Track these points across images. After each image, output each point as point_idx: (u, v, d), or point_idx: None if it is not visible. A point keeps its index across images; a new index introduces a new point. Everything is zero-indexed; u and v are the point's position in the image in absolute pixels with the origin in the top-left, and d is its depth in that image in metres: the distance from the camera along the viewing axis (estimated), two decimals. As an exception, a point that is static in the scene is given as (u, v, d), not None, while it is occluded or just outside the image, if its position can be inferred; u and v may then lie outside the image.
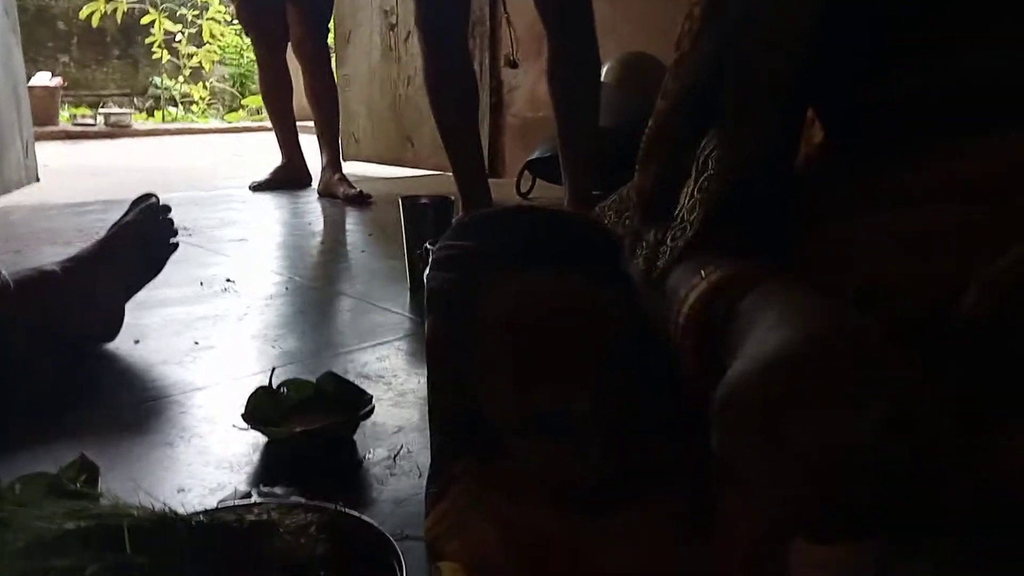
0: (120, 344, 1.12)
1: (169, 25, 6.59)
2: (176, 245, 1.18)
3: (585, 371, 0.55)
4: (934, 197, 0.44)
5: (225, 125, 6.59)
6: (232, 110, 7.34)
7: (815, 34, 0.46)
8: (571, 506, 0.52)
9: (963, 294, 0.38)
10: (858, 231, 0.49)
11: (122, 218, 1.13)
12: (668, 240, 0.51)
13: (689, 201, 0.51)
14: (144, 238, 1.11)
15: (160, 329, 1.21)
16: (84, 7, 6.27)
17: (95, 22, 6.29)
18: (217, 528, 0.56)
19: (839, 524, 0.32)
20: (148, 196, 1.15)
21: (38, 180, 2.91)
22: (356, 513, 0.62)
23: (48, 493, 0.59)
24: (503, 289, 0.59)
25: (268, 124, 3.01)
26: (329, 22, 2.77)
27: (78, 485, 0.61)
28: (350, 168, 2.84)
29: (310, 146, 2.87)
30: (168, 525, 0.55)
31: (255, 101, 6.90)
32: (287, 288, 1.51)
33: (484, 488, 0.58)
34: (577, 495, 0.52)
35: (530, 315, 0.57)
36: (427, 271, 1.11)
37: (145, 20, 6.55)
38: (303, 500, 0.63)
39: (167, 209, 1.16)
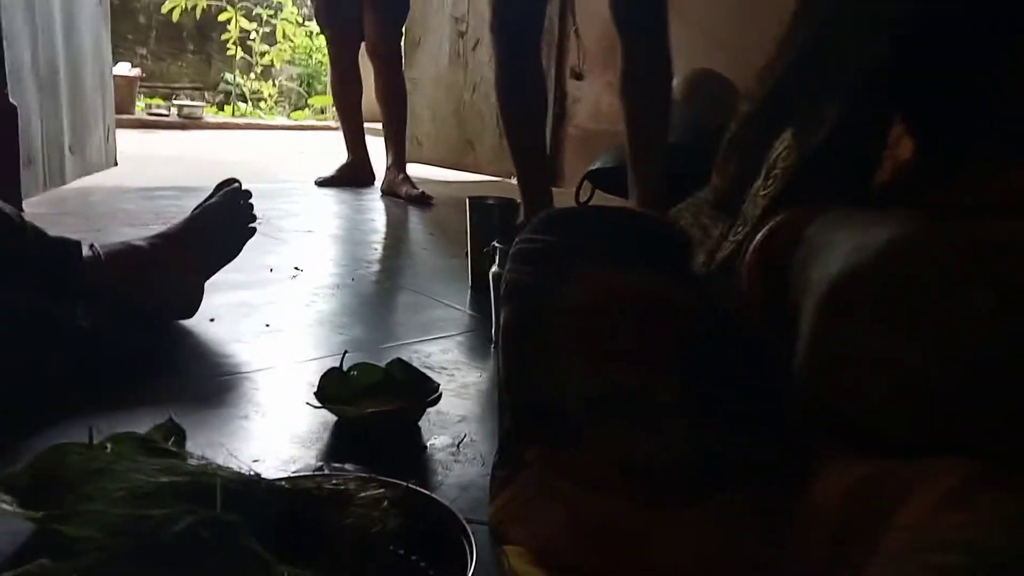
0: (196, 322, 1.17)
1: (244, 23, 6.79)
2: (254, 230, 1.23)
3: (664, 359, 0.56)
4: (1013, 209, 0.44)
5: (291, 122, 6.75)
6: (298, 108, 7.51)
7: (909, 17, 0.47)
8: (644, 494, 0.53)
9: None
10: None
11: (206, 200, 1.18)
12: (730, 236, 0.53)
13: (752, 199, 0.52)
14: (227, 221, 1.16)
15: (233, 310, 1.26)
16: (166, 2, 6.50)
17: (175, 17, 6.52)
18: (298, 494, 0.59)
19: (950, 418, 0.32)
20: (231, 181, 1.20)
21: (116, 164, 3.03)
22: (427, 491, 0.64)
23: (140, 450, 0.63)
24: (583, 282, 0.60)
25: (332, 123, 3.09)
26: (404, 26, 2.83)
27: (169, 445, 0.64)
28: (412, 170, 2.89)
29: (375, 146, 2.93)
30: (254, 487, 0.58)
31: (320, 101, 7.05)
32: (352, 279, 1.54)
33: (554, 474, 0.60)
34: (652, 483, 0.53)
35: (610, 307, 0.58)
36: (496, 266, 1.13)
37: (222, 17, 6.76)
38: (376, 476, 0.65)
39: (248, 194, 1.20)
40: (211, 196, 1.21)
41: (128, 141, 3.90)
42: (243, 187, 1.22)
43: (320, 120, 6.82)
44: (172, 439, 0.67)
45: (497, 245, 1.15)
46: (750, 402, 0.57)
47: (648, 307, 0.59)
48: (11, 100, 1.84)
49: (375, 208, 2.50)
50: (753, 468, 0.53)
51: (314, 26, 7.02)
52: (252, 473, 0.59)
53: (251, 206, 1.22)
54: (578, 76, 3.09)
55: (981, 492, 0.36)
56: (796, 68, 0.54)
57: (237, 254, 1.23)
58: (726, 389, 0.58)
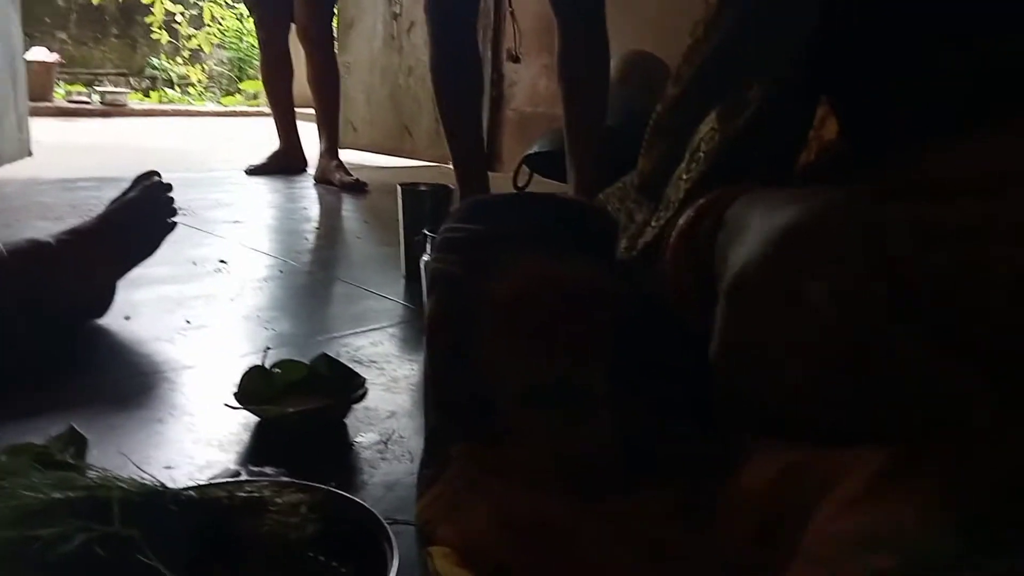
0: (111, 320, 1.11)
1: (169, 5, 6.55)
2: (174, 225, 1.17)
3: (595, 351, 0.55)
4: (961, 190, 0.43)
5: (221, 108, 6.55)
6: (229, 94, 7.29)
7: (840, 7, 0.46)
8: (575, 489, 0.51)
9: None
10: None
11: (123, 194, 1.12)
12: (652, 221, 0.51)
13: (675, 182, 0.51)
14: (144, 216, 1.10)
15: (151, 306, 1.20)
16: (84, -16, 6.23)
17: (95, 0, 6.24)
18: (207, 504, 0.56)
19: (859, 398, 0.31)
20: (151, 174, 1.14)
21: (31, 155, 2.88)
22: (347, 494, 0.62)
23: (35, 463, 0.58)
24: (510, 270, 0.58)
25: (264, 109, 3.00)
26: (335, 7, 2.75)
27: (66, 457, 0.59)
28: (347, 156, 2.83)
29: (308, 133, 2.85)
30: (157, 499, 0.54)
31: (252, 86, 6.86)
32: (281, 271, 1.49)
33: (482, 470, 0.58)
34: (582, 477, 0.52)
35: (538, 295, 0.56)
36: (428, 254, 1.10)
37: (146, 0, 6.51)
38: (294, 480, 0.62)
39: (169, 187, 1.14)
40: (129, 189, 1.15)
41: (45, 130, 3.72)
42: (164, 178, 1.16)
43: (252, 106, 6.64)
44: (71, 449, 0.63)
45: (428, 233, 1.12)
46: (679, 390, 0.56)
47: (577, 296, 0.58)
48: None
49: (307, 196, 2.44)
50: (682, 458, 0.52)
51: (244, 8, 6.83)
52: (157, 483, 0.55)
53: (171, 199, 1.16)
54: (515, 58, 3.04)
55: (898, 483, 0.35)
56: (722, 50, 0.53)
57: (154, 251, 1.17)
58: (655, 378, 0.56)
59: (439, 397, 0.63)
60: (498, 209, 0.67)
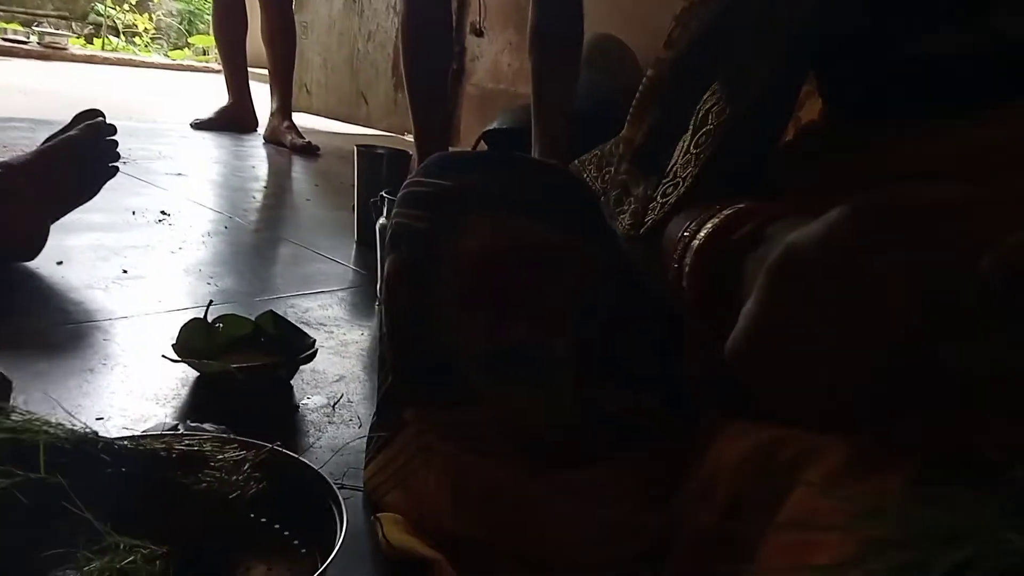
0: (41, 264, 1.05)
1: (118, -52, 6.25)
2: (116, 169, 1.11)
3: (563, 316, 0.52)
4: (942, 170, 0.43)
5: (168, 62, 6.29)
6: (177, 48, 7.01)
7: None
8: (533, 457, 0.50)
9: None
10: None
11: (62, 131, 1.05)
12: (659, 196, 0.49)
13: (683, 157, 0.49)
14: (85, 156, 1.03)
15: (86, 253, 1.13)
16: (26, -83, 5.89)
17: (37, -66, 5.91)
18: (142, 455, 0.52)
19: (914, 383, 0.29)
20: (93, 112, 1.07)
21: (-41, 90, 2.72)
22: (294, 454, 0.59)
23: (-48, 403, 0.54)
24: (478, 229, 0.55)
25: (213, 66, 2.89)
26: (294, -39, 2.66)
27: (-13, 397, 0.55)
28: (299, 120, 2.74)
29: (259, 92, 2.75)
30: (88, 446, 0.50)
31: (202, 41, 6.61)
32: (225, 227, 1.43)
33: (436, 436, 0.55)
34: (542, 445, 0.50)
35: (505, 257, 0.54)
36: (383, 218, 1.07)
37: (92, -60, 6.19)
38: (236, 437, 0.59)
39: (112, 130, 1.08)
40: (68, 127, 1.08)
41: (-23, 66, 3.51)
42: (107, 122, 1.10)
43: (201, 61, 6.40)
44: (-7, 391, 0.58)
45: (385, 195, 1.08)
46: (646, 363, 0.55)
47: (547, 259, 0.56)
48: None
49: (256, 155, 2.36)
50: (644, 431, 0.50)
51: (197, -41, 6.56)
52: (88, 431, 0.52)
53: (115, 143, 1.09)
54: (478, 32, 3.01)
55: (884, 464, 0.34)
56: (723, 15, 0.50)
57: (93, 195, 1.10)
58: (623, 349, 0.55)
59: (396, 355, 0.60)
60: (467, 166, 0.64)
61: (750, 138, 0.49)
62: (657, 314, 0.54)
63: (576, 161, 0.68)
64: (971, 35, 0.43)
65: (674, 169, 0.49)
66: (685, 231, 0.43)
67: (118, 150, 1.11)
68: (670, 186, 0.49)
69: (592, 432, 0.50)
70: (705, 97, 0.49)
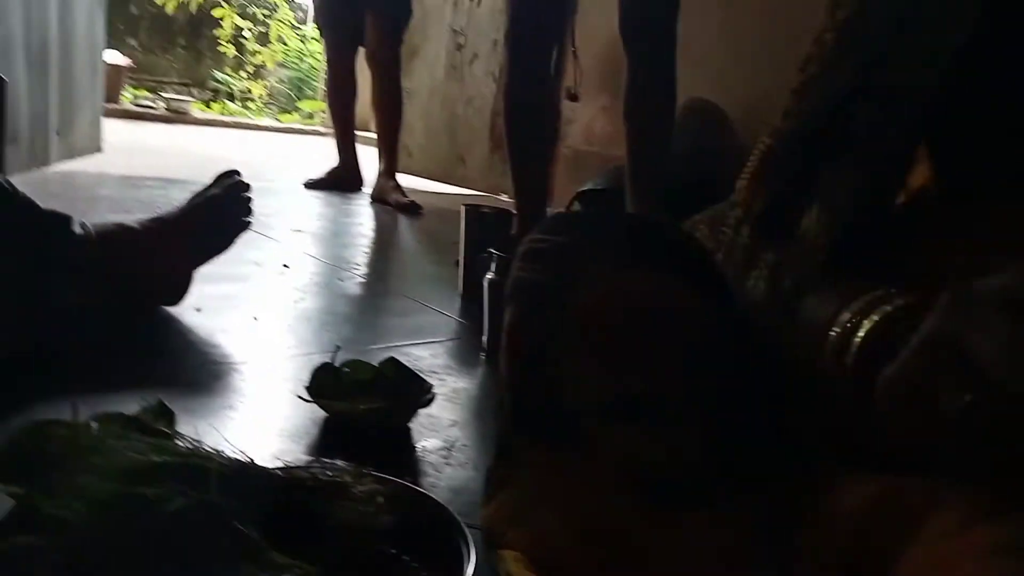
0: (182, 310, 1.15)
1: (238, 21, 6.77)
2: (249, 224, 1.21)
3: (676, 367, 0.55)
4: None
5: (279, 125, 6.70)
6: (286, 111, 7.47)
7: (964, 56, 0.47)
8: (649, 498, 0.52)
9: None
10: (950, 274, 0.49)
11: (206, 189, 1.16)
12: (794, 262, 0.52)
13: (815, 224, 0.52)
14: (223, 212, 1.14)
15: (219, 301, 1.23)
16: (160, -6, 6.47)
17: (169, 10, 6.48)
18: (293, 483, 0.57)
19: None
20: (233, 173, 1.18)
21: (100, 151, 2.98)
22: (422, 490, 0.63)
23: (129, 429, 0.60)
24: (595, 283, 0.59)
25: (320, 128, 3.07)
26: (405, 33, 2.83)
27: (160, 426, 0.62)
28: (401, 180, 2.88)
29: (364, 153, 2.91)
30: (249, 472, 0.56)
31: (309, 105, 7.03)
32: (339, 279, 1.53)
33: (555, 476, 0.58)
34: (656, 489, 0.52)
35: (621, 308, 0.57)
36: (491, 273, 1.12)
37: (216, 13, 6.74)
38: (371, 471, 0.64)
39: (247, 187, 1.18)
40: (211, 186, 1.19)
41: (113, 130, 3.85)
42: (243, 181, 1.21)
43: (308, 124, 6.79)
44: (161, 420, 0.65)
45: (493, 252, 1.14)
46: (758, 417, 0.57)
47: (661, 312, 0.59)
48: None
49: (363, 213, 2.49)
50: (762, 478, 0.52)
51: (308, 30, 7.03)
52: (248, 460, 0.57)
53: (249, 199, 1.20)
54: (573, 97, 3.10)
55: (1006, 512, 0.35)
56: (850, 85, 0.53)
57: (230, 246, 1.21)
58: (736, 400, 0.57)
59: (515, 401, 0.64)
60: (584, 223, 0.69)
61: (876, 210, 0.51)
62: (771, 368, 0.56)
63: (690, 220, 0.72)
64: None
65: (804, 234, 0.52)
66: (844, 321, 0.46)
67: (251, 207, 1.21)
68: (806, 253, 0.52)
69: (706, 479, 0.53)
70: (833, 167, 0.52)
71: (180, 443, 0.59)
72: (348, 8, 2.67)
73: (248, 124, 6.31)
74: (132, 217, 1.13)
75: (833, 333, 0.48)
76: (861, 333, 0.46)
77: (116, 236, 1.01)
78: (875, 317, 0.46)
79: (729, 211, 0.63)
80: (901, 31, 0.48)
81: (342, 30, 2.73)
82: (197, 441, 0.59)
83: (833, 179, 0.50)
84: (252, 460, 0.58)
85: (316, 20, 2.92)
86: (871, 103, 0.50)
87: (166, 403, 0.69)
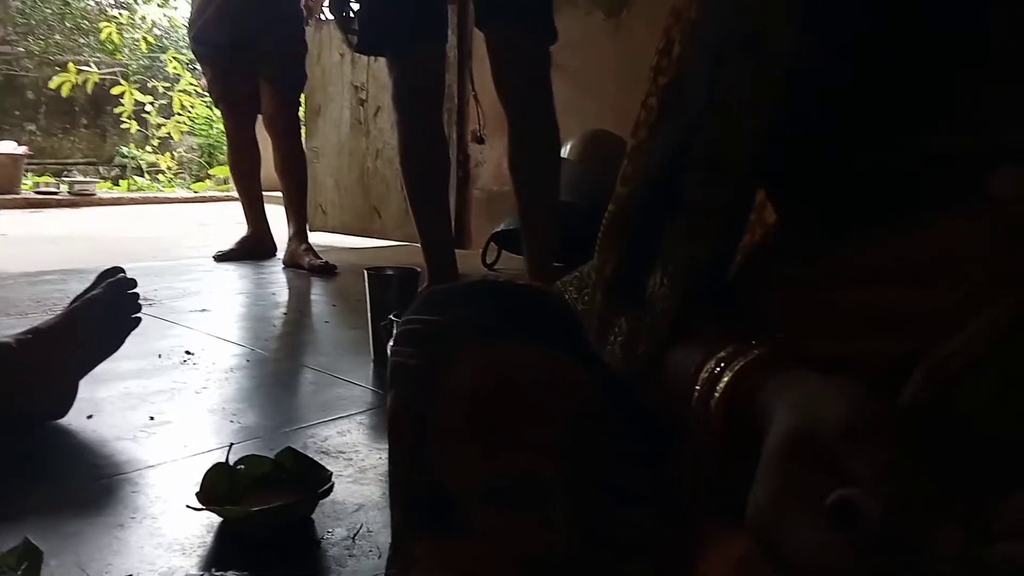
0: (72, 419, 1.09)
1: (139, 96, 6.64)
2: (138, 321, 1.17)
3: (554, 440, 0.55)
4: (879, 278, 0.45)
5: (191, 195, 6.58)
6: (199, 180, 7.34)
7: (781, 113, 0.48)
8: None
9: (908, 380, 0.39)
10: (806, 307, 0.50)
11: (87, 291, 1.12)
12: (645, 328, 0.52)
13: (660, 289, 0.52)
14: (108, 314, 1.10)
15: (115, 403, 1.18)
16: (54, 78, 6.31)
17: (65, 92, 6.32)
18: (165, 616, 0.54)
19: None
20: (116, 270, 1.14)
21: (-5, 248, 2.87)
22: (312, 598, 0.61)
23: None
24: (468, 362, 0.58)
25: (235, 194, 3.02)
26: (300, 96, 2.81)
27: (19, 573, 0.58)
28: (316, 238, 2.85)
29: (276, 217, 2.87)
30: (113, 614, 0.52)
31: (222, 171, 6.92)
32: (248, 360, 1.48)
33: (444, 570, 0.57)
34: (544, 571, 0.51)
35: (497, 386, 0.56)
36: (390, 344, 1.11)
37: (116, 91, 6.60)
38: (257, 585, 0.61)
39: (133, 284, 1.14)
40: (92, 287, 1.15)
41: (11, 222, 3.71)
42: (129, 271, 1.16)
43: (223, 191, 6.68)
44: (25, 564, 0.61)
45: (393, 319, 1.13)
46: (636, 477, 0.56)
47: (535, 387, 0.58)
48: None
49: (276, 281, 2.44)
50: (641, 547, 0.51)
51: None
52: (113, 598, 0.54)
53: (135, 296, 1.16)
54: (479, 140, 3.13)
55: None
56: (671, 156, 0.54)
57: (117, 348, 1.16)
58: (615, 466, 0.57)
59: (401, 494, 0.63)
60: (455, 299, 0.68)
61: (715, 270, 0.52)
62: (647, 430, 0.56)
63: (558, 283, 0.72)
64: (903, 153, 0.46)
65: (652, 302, 0.52)
66: (705, 371, 0.46)
67: (140, 300, 1.17)
68: (655, 318, 0.52)
69: (591, 555, 0.52)
70: (668, 231, 0.53)
71: (41, 590, 0.55)
72: (241, 78, 2.65)
73: (158, 198, 6.17)
74: (17, 325, 1.08)
75: (699, 385, 0.48)
76: (722, 383, 0.47)
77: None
78: (732, 369, 0.46)
79: (589, 276, 0.64)
80: (711, 100, 0.50)
81: (237, 100, 2.70)
82: (59, 585, 0.55)
83: (671, 244, 0.51)
84: (119, 598, 0.55)
85: (210, 92, 2.88)
86: (696, 166, 0.50)
87: (33, 541, 0.65)
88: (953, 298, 0.43)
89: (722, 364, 0.47)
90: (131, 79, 6.64)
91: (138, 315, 1.17)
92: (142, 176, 6.97)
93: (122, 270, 1.16)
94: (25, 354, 1.00)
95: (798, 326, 0.50)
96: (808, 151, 0.52)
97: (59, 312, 1.11)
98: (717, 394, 0.47)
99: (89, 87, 6.44)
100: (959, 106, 0.46)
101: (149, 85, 6.89)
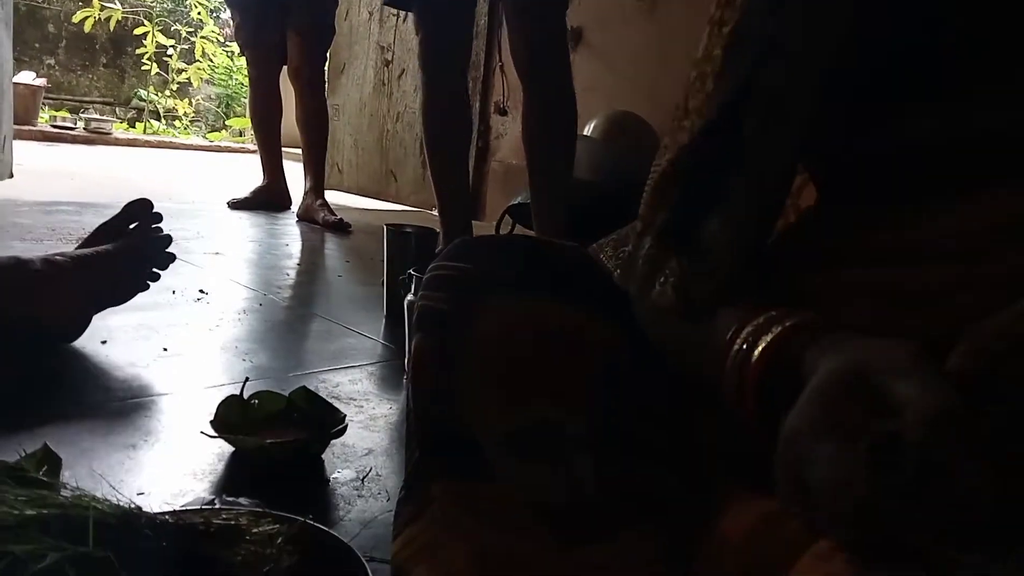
0: (87, 343, 1.10)
1: (161, 39, 6.59)
2: (158, 276, 1.17)
3: (579, 393, 0.55)
4: (919, 256, 0.45)
5: (206, 143, 6.55)
6: (215, 129, 7.31)
7: (842, 57, 0.48)
8: (553, 531, 0.51)
9: (948, 356, 0.39)
10: (845, 286, 0.50)
11: (114, 218, 1.12)
12: (701, 270, 0.52)
13: (721, 237, 0.52)
14: (138, 265, 1.10)
15: (129, 333, 1.18)
16: (78, 12, 6.26)
17: (87, 28, 6.27)
18: (182, 529, 0.55)
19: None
20: (144, 202, 1.14)
21: (11, 176, 2.86)
22: (325, 528, 0.61)
23: (7, 479, 0.57)
24: (497, 311, 0.59)
25: (250, 146, 3.01)
26: (328, 50, 2.79)
27: (40, 474, 0.58)
28: (331, 197, 2.84)
29: (293, 171, 2.86)
30: (132, 521, 0.53)
31: (239, 123, 6.89)
32: (260, 304, 1.49)
33: (461, 511, 0.57)
34: (561, 519, 0.52)
35: (524, 336, 0.56)
36: (411, 293, 1.11)
37: (138, 31, 6.55)
38: (270, 511, 0.61)
39: (169, 241, 1.14)
40: (118, 216, 1.14)
41: (28, 154, 3.70)
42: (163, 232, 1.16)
43: (238, 142, 6.65)
44: (45, 468, 0.62)
45: (413, 273, 1.13)
46: (659, 434, 0.57)
47: (564, 337, 0.58)
48: None
49: (290, 233, 2.44)
50: (659, 503, 0.52)
51: (235, 47, 6.90)
52: (132, 506, 0.55)
53: (171, 254, 1.16)
54: (502, 111, 3.12)
55: None
56: (736, 98, 0.54)
57: (135, 295, 1.16)
58: (638, 423, 0.57)
59: (422, 434, 0.63)
60: (487, 250, 0.68)
61: (766, 225, 0.52)
62: (674, 387, 0.56)
63: (595, 244, 0.72)
64: (951, 123, 0.46)
65: (712, 251, 0.52)
66: (741, 341, 0.46)
67: (169, 256, 1.17)
68: (714, 263, 0.52)
69: (609, 507, 0.52)
70: (730, 179, 0.52)
71: (61, 492, 0.56)
72: (270, 26, 2.63)
73: (173, 143, 6.15)
74: (32, 250, 1.08)
75: (735, 348, 0.48)
76: (760, 347, 0.47)
77: (8, 270, 0.96)
78: (774, 332, 0.46)
79: (633, 231, 0.63)
80: (774, 45, 0.49)
81: (264, 48, 2.68)
82: (80, 490, 0.55)
83: (731, 192, 0.51)
84: (139, 507, 0.55)
85: (237, 38, 2.86)
86: (756, 111, 0.50)
87: (52, 448, 0.65)
88: (999, 272, 0.42)
89: (761, 329, 0.47)
90: (154, 20, 6.58)
91: (164, 270, 1.17)
92: (159, 120, 6.94)
93: (150, 203, 1.16)
94: (45, 275, 1.00)
95: (837, 304, 0.50)
96: (859, 115, 0.51)
97: (84, 239, 1.12)
98: (755, 357, 0.46)
99: (112, 24, 6.39)
100: (1013, 80, 0.45)
101: (172, 29, 6.84)
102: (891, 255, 0.48)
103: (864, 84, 0.49)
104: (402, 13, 3.17)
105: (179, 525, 0.55)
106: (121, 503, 0.55)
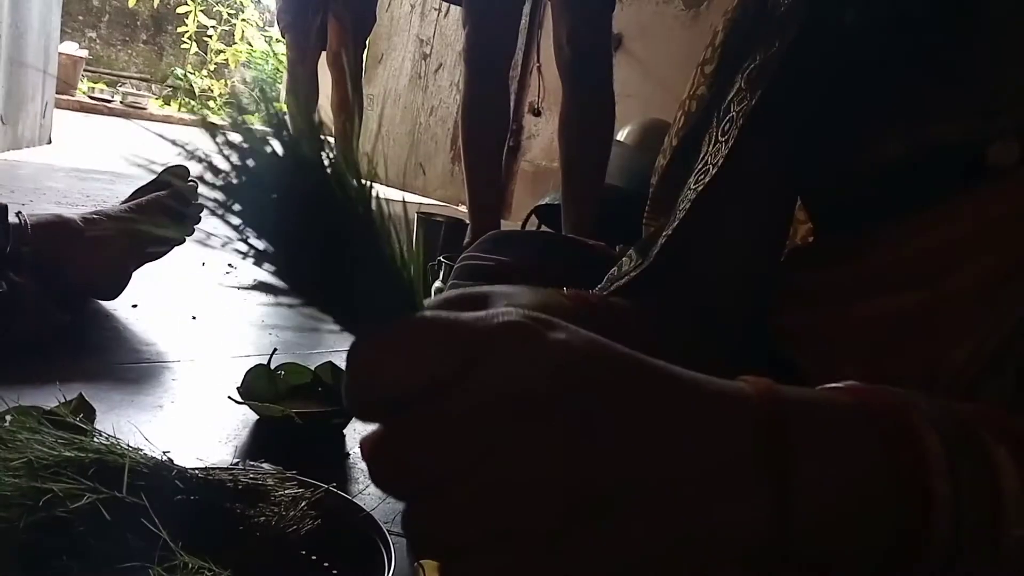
0: (118, 305, 1.12)
1: (203, 19, 6.66)
2: (192, 231, 1.19)
3: None
4: (882, 286, 0.45)
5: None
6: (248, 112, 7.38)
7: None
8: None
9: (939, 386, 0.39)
10: (831, 325, 0.49)
11: (152, 182, 1.14)
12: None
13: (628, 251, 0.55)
14: (172, 217, 1.12)
15: (159, 299, 1.20)
16: (123, -13, 6.36)
17: (131, 3, 6.36)
18: (211, 485, 0.56)
19: None
20: (181, 168, 1.16)
21: (50, 143, 2.91)
22: (347, 495, 0.62)
23: (45, 423, 0.59)
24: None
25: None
26: (367, 39, 2.82)
27: (77, 420, 0.60)
28: (360, 183, 2.86)
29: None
30: (164, 472, 0.54)
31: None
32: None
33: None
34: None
35: None
36: (439, 281, 1.12)
37: (181, 10, 6.63)
38: (296, 475, 0.63)
39: (200, 207, 1.16)
40: (157, 179, 1.16)
41: (65, 122, 3.76)
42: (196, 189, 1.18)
43: (270, 126, 6.70)
44: (80, 416, 0.63)
45: (443, 260, 1.14)
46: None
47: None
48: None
49: (318, 217, 2.46)
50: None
51: (274, 32, 6.96)
52: (165, 458, 0.56)
53: (200, 207, 1.17)
54: (536, 112, 3.13)
55: None
56: (709, 106, 0.56)
57: (173, 247, 1.18)
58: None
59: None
60: (519, 244, 0.70)
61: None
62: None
63: (623, 247, 0.73)
64: (911, 143, 0.46)
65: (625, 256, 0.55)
66: None
67: (200, 214, 1.19)
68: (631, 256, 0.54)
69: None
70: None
71: (96, 439, 0.57)
72: (311, 10, 2.65)
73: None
74: (75, 210, 1.10)
75: None
76: None
77: (52, 228, 0.98)
78: None
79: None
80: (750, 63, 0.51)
81: (304, 32, 2.70)
82: (114, 438, 0.57)
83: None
84: (171, 459, 0.56)
85: (279, 21, 2.89)
86: (722, 123, 0.52)
87: (87, 399, 0.67)
88: (964, 292, 0.41)
89: None
90: (198, 0, 6.67)
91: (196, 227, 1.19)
92: (194, 99, 7.01)
93: (187, 170, 1.18)
94: (88, 233, 1.02)
95: (827, 347, 0.49)
96: (830, 140, 0.51)
97: (123, 202, 1.14)
98: None
99: (155, 1, 6.47)
100: (962, 89, 0.45)
101: (214, 10, 6.92)
102: (852, 290, 0.47)
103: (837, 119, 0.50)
104: (444, 7, 3.20)
105: (208, 480, 0.56)
106: (154, 455, 0.56)
